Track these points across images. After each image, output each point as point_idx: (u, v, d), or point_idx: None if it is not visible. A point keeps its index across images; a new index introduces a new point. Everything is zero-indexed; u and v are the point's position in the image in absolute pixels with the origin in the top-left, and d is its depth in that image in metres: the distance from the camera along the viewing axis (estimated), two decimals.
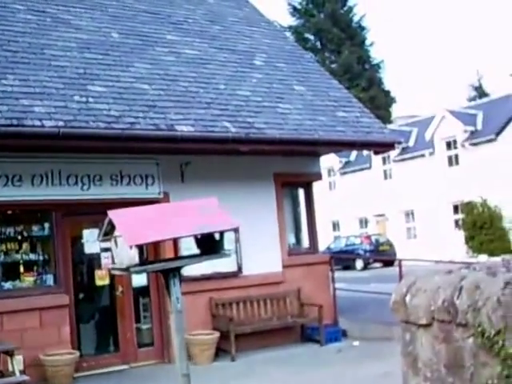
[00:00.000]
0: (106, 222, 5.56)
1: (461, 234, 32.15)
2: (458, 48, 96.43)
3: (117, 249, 5.56)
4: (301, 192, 13.21)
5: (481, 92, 57.71)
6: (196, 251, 5.92)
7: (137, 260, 5.23)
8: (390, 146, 12.36)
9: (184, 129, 9.85)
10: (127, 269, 5.30)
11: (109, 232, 5.66)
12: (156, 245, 10.24)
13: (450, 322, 5.54)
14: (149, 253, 10.35)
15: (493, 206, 30.76)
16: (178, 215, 5.51)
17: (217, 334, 10.98)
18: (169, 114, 10.12)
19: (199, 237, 5.74)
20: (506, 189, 30.60)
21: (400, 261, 11.95)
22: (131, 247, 5.23)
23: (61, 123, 9.06)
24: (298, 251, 12.88)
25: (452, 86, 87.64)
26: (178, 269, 5.57)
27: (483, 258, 29.03)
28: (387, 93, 56.84)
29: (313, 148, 11.67)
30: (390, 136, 12.22)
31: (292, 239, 13.14)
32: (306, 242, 13.23)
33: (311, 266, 12.58)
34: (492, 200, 30.69)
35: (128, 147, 9.83)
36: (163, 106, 10.33)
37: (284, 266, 12.32)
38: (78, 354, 9.98)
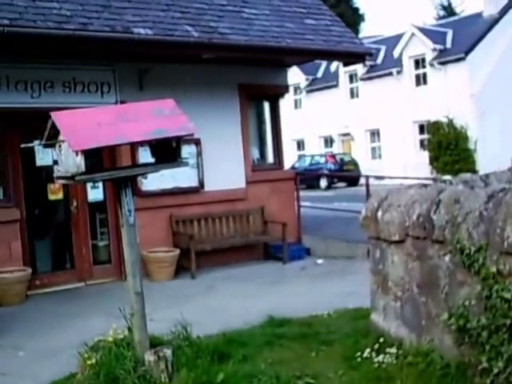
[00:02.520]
0: (49, 124, 4.97)
1: (425, 155, 32.02)
2: None
3: (61, 155, 5.00)
4: (266, 105, 12.62)
5: (450, 11, 56.77)
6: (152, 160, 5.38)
7: (83, 168, 4.68)
8: (361, 57, 11.75)
9: (142, 31, 9.09)
10: (72, 177, 4.76)
11: (52, 136, 5.08)
12: (112, 153, 9.64)
13: (425, 238, 5.14)
14: (104, 162, 9.76)
15: (459, 127, 30.54)
16: (130, 118, 4.93)
17: (177, 252, 10.57)
18: (125, 16, 9.32)
19: (154, 143, 5.20)
20: (473, 109, 30.36)
21: (367, 177, 11.56)
22: (77, 153, 4.67)
23: (5, 21, 8.23)
24: (263, 167, 12.40)
25: (421, 5, 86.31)
26: (131, 178, 5.04)
27: (447, 178, 28.98)
28: (356, 10, 55.64)
29: (280, 57, 10.99)
30: (361, 47, 11.60)
31: (256, 154, 12.64)
32: (270, 158, 12.76)
33: (276, 182, 12.15)
34: (458, 120, 30.46)
35: (80, 50, 9.05)
36: (119, 7, 9.51)
37: (248, 182, 11.86)
38: (30, 270, 9.50)
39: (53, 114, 4.80)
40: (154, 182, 10.41)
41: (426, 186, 5.88)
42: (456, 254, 4.61)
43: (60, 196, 10.29)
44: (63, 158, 4.95)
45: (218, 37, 9.86)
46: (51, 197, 10.24)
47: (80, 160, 4.66)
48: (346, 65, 12.20)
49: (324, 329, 6.51)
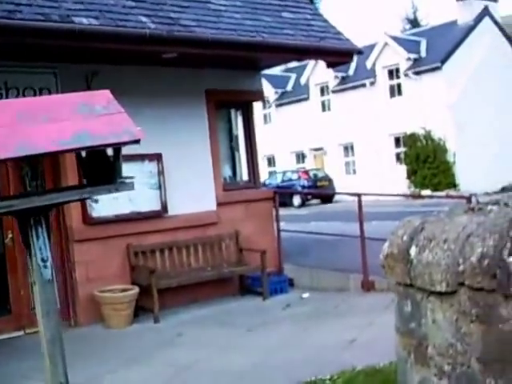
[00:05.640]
0: None
1: (402, 169, 30.74)
2: None
3: None
4: (238, 114, 10.95)
5: (415, 25, 56.06)
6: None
7: None
8: (348, 55, 10.07)
9: (84, 21, 7.32)
10: None
11: None
12: (54, 169, 7.82)
13: (493, 290, 3.47)
14: (46, 181, 7.98)
15: (437, 139, 29.36)
16: (42, 118, 3.18)
17: (135, 290, 8.76)
18: (64, 3, 7.55)
19: (84, 156, 3.46)
20: (450, 120, 29.11)
21: (359, 195, 9.90)
22: None
23: None
24: (236, 186, 10.68)
25: (386, 19, 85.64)
26: (44, 210, 3.27)
27: (426, 193, 27.69)
28: None
29: (255, 54, 9.25)
30: (348, 43, 9.97)
31: (228, 171, 10.93)
32: (244, 175, 11.05)
33: (252, 203, 10.45)
34: (436, 132, 29.26)
35: (4, 45, 7.23)
36: None
37: (219, 204, 10.12)
38: None
39: None
40: (108, 206, 8.70)
41: (473, 209, 4.23)
42: None
43: None
44: None
45: (180, 29, 8.13)
46: None
47: None
48: (329, 65, 10.59)
49: None
